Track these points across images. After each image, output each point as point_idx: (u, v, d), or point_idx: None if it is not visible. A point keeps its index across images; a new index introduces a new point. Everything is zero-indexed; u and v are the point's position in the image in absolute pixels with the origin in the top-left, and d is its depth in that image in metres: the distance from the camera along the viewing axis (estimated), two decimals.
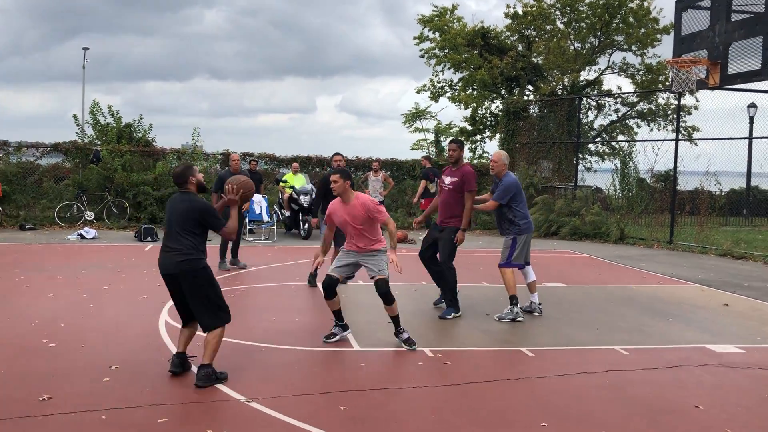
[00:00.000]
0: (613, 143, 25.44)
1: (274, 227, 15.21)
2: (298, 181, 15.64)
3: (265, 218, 14.97)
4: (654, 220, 17.05)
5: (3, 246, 12.56)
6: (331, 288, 6.25)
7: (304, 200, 15.08)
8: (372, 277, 6.29)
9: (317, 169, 18.78)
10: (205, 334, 5.17)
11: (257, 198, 15.07)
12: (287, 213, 15.68)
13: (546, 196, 18.14)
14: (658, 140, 16.54)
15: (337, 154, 9.70)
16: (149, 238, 13.92)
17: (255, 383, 5.17)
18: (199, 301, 5.12)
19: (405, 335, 6.35)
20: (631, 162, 17.11)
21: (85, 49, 35.59)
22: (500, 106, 24.03)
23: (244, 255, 12.14)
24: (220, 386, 5.05)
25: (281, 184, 15.82)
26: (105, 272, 9.97)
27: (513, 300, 7.66)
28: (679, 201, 16.51)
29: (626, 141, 23.43)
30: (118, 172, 16.33)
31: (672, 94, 27.64)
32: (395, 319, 6.37)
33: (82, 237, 13.87)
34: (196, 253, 5.13)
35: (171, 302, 7.67)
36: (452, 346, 6.48)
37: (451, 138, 18.54)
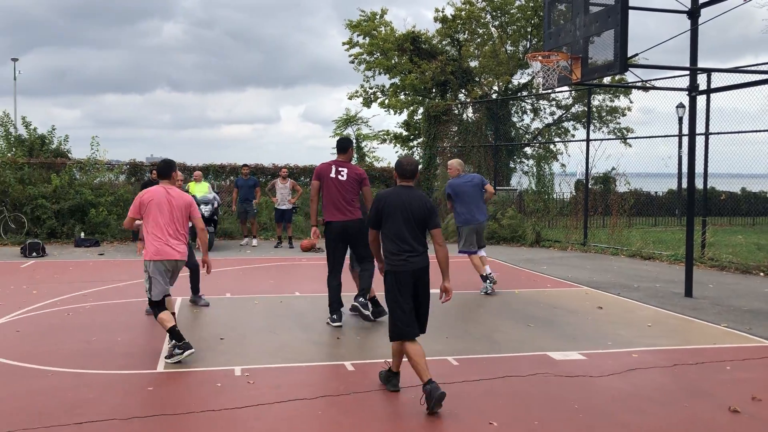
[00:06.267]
0: (531, 146, 25.23)
1: None
2: (200, 189, 15.06)
3: None
4: (571, 222, 16.83)
5: None
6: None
7: (205, 210, 14.50)
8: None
9: (231, 177, 18.23)
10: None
11: None
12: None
13: None
14: (570, 141, 16.36)
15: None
16: (34, 254, 13.24)
17: (7, 414, 4.64)
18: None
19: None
20: (546, 164, 16.91)
21: (14, 60, 34.56)
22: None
23: (131, 270, 11.57)
24: None
25: None
26: None
27: (483, 278, 9.51)
28: (593, 203, 16.32)
29: (540, 143, 23.34)
30: (11, 185, 15.59)
31: (605, 94, 27.81)
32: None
33: None
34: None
35: None
36: (271, 363, 6.01)
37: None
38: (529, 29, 26.33)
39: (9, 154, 17.02)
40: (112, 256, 13.58)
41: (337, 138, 8.00)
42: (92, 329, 7.16)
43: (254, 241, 15.72)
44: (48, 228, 15.63)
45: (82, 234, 15.48)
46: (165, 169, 6.49)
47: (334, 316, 7.44)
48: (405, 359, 5.13)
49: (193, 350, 5.98)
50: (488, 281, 9.49)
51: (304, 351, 6.45)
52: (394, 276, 4.95)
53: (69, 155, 17.85)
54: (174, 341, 5.97)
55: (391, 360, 5.27)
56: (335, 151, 7.86)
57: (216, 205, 14.80)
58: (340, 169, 7.51)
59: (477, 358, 6.26)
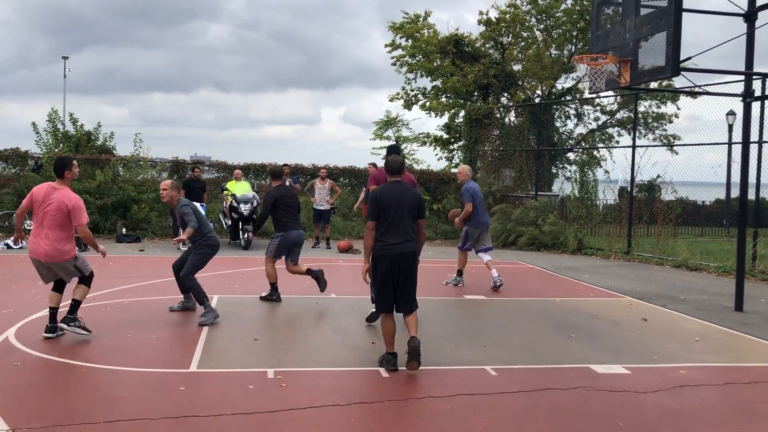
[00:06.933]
0: (574, 151, 24.68)
1: None
2: (240, 188, 15.11)
3: None
4: (614, 230, 16.39)
5: None
6: None
7: (245, 209, 14.54)
8: None
9: None
10: None
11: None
12: (229, 222, 15.14)
13: (505, 205, 17.53)
14: (615, 147, 15.97)
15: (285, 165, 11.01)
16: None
17: (39, 409, 4.63)
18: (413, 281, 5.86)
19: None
20: (589, 170, 16.53)
21: (65, 58, 35.38)
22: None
23: (170, 267, 11.61)
24: None
25: (224, 192, 15.31)
26: None
27: (459, 273, 10.49)
28: (637, 210, 15.86)
29: (583, 148, 22.86)
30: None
31: (652, 100, 27.14)
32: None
33: (8, 247, 13.39)
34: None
35: (27, 319, 7.20)
36: (304, 366, 5.91)
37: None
38: (574, 33, 25.84)
39: (56, 150, 17.33)
40: (152, 253, 13.70)
41: (388, 145, 8.56)
42: (128, 326, 7.16)
43: None
44: (91, 223, 15.81)
45: (124, 230, 15.67)
46: (57, 168, 6.48)
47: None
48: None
49: (52, 335, 6.45)
50: (460, 276, 10.51)
51: (338, 355, 6.34)
52: (382, 260, 5.68)
53: (114, 152, 18.12)
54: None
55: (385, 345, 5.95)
56: (370, 154, 7.93)
57: (255, 204, 14.81)
58: None
59: (516, 368, 6.05)
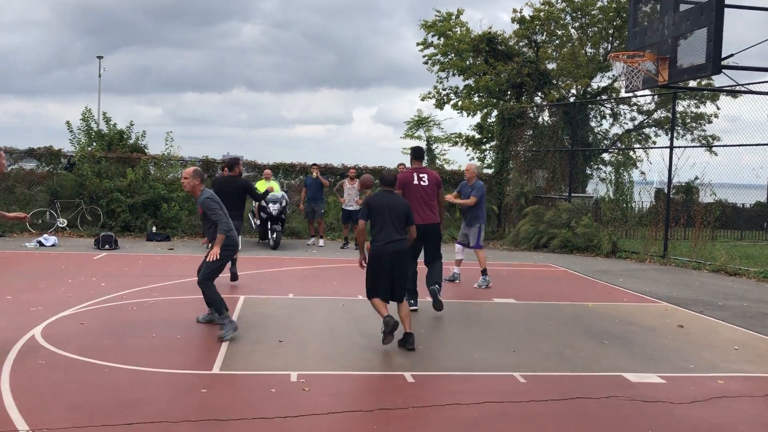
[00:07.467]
0: (609, 152, 24.17)
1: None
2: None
3: None
4: (650, 233, 15.99)
5: None
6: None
7: (273, 209, 14.51)
8: None
9: (301, 177, 18.25)
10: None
11: None
12: (258, 222, 15.14)
13: (538, 207, 17.22)
14: (652, 147, 15.58)
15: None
16: (107, 246, 13.52)
17: (60, 410, 4.59)
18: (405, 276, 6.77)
19: None
20: (625, 172, 16.15)
21: (100, 57, 35.90)
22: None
23: (198, 266, 11.60)
24: (9, 411, 4.48)
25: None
26: (26, 281, 9.54)
27: (484, 272, 10.28)
28: (674, 213, 15.45)
29: (619, 149, 22.40)
30: (89, 178, 16.03)
31: (690, 100, 26.50)
32: None
33: (41, 244, 13.55)
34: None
35: (54, 318, 7.22)
36: (328, 370, 5.80)
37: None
38: (610, 31, 25.36)
39: (89, 149, 17.53)
40: (181, 252, 13.74)
41: (412, 147, 8.57)
42: (153, 325, 7.13)
43: (321, 242, 15.64)
44: (122, 221, 15.99)
45: (154, 228, 15.78)
46: None
47: (412, 301, 7.95)
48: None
49: None
50: (486, 275, 10.32)
51: (363, 358, 6.22)
52: (377, 257, 6.59)
53: (146, 150, 18.26)
54: None
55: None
56: (401, 154, 8.17)
57: (284, 203, 14.78)
58: (421, 175, 8.06)
59: (546, 375, 5.86)
